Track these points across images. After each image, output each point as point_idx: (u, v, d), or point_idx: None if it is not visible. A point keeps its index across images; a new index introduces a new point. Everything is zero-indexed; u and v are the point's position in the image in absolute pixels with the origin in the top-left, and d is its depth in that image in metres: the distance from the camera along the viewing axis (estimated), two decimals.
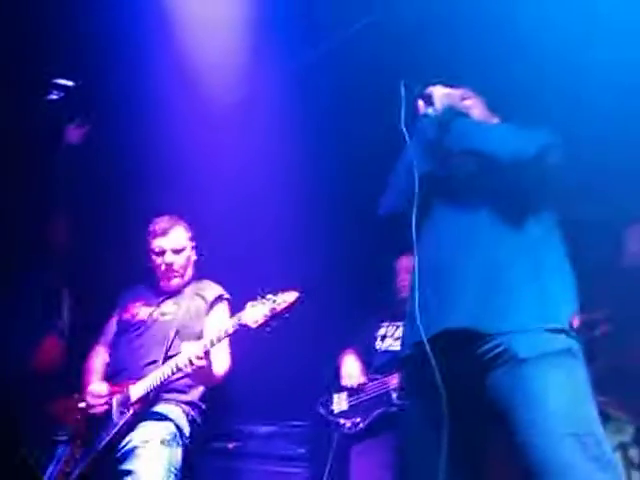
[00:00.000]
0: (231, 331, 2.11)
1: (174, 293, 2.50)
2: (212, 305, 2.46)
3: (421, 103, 1.81)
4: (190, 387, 2.35)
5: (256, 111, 3.04)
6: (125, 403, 2.19)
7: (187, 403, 2.32)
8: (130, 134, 3.13)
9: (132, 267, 2.75)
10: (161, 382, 2.18)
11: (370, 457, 2.68)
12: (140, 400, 2.18)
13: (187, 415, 2.31)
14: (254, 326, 2.05)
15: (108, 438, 2.14)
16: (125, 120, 3.07)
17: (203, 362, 2.11)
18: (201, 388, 2.40)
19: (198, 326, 2.40)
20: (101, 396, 2.23)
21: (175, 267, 2.46)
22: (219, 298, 2.49)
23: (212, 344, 2.12)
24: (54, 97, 1.94)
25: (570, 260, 1.64)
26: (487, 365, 1.49)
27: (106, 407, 2.21)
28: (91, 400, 2.24)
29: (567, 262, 1.63)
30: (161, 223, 2.47)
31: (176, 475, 2.14)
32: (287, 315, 2.05)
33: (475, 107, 1.86)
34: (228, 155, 3.09)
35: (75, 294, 2.87)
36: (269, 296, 2.07)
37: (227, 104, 3.09)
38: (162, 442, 2.13)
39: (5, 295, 2.61)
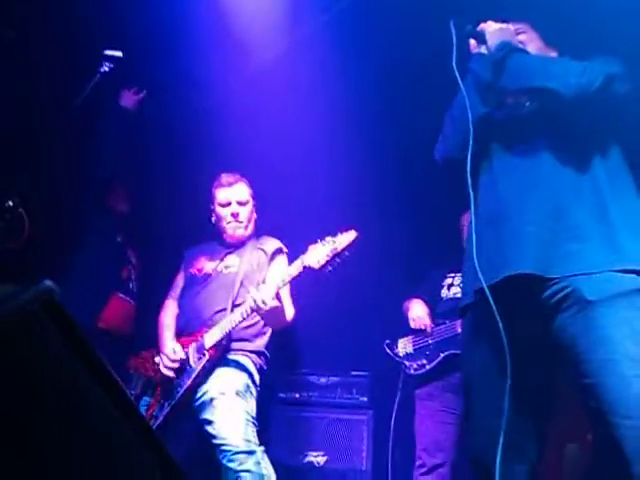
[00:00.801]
0: (295, 273, 2.16)
1: (236, 247, 2.57)
2: (272, 257, 2.55)
3: (473, 42, 1.73)
4: (256, 336, 2.44)
5: (300, 63, 2.99)
6: (201, 350, 2.30)
7: (254, 352, 2.42)
8: (178, 98, 3.17)
9: (194, 225, 2.84)
10: (232, 328, 2.26)
11: (434, 400, 2.73)
12: (214, 347, 2.28)
13: (255, 364, 2.40)
14: (317, 267, 2.09)
15: (188, 383, 2.27)
16: (171, 84, 3.11)
17: (276, 303, 2.19)
18: (266, 337, 2.49)
19: (260, 277, 2.49)
20: (175, 358, 2.34)
21: (240, 218, 2.54)
22: (279, 250, 2.57)
23: (279, 287, 2.20)
24: (106, 69, 1.98)
25: None
26: (554, 308, 1.48)
27: (180, 365, 2.33)
28: (166, 362, 2.36)
29: (638, 200, 1.56)
30: (226, 177, 2.57)
31: (253, 424, 2.26)
32: (347, 254, 2.08)
33: (531, 41, 1.76)
34: (276, 109, 3.07)
35: (139, 254, 3.01)
36: (328, 238, 2.11)
37: (268, 59, 3.05)
38: (237, 393, 2.25)
39: (73, 253, 2.75)
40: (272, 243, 2.60)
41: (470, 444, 1.71)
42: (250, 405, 2.29)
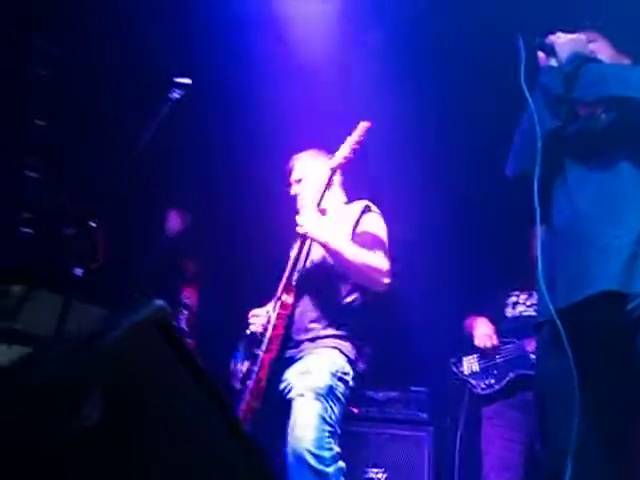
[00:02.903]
0: (329, 177, 2.22)
1: None
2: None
3: (541, 54, 1.71)
4: (343, 316, 2.21)
5: (364, 75, 3.02)
6: (274, 302, 2.21)
7: (345, 338, 2.17)
8: (242, 121, 3.26)
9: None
10: (294, 264, 2.19)
11: (502, 419, 2.66)
12: (285, 290, 2.19)
13: (347, 355, 2.15)
14: (344, 160, 2.20)
15: (267, 335, 2.14)
16: (236, 109, 3.21)
17: (318, 226, 2.15)
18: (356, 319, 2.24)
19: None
20: (257, 315, 2.26)
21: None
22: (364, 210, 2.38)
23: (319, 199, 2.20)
24: (176, 96, 2.07)
25: None
26: (636, 323, 1.43)
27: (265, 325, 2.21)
28: (251, 320, 2.27)
29: None
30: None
31: (332, 432, 2.00)
32: (362, 139, 2.22)
33: (601, 49, 1.71)
34: (341, 124, 3.11)
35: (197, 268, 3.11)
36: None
37: (334, 71, 3.09)
38: (317, 395, 2.01)
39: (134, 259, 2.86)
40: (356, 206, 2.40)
41: (544, 463, 1.66)
42: (333, 408, 2.02)
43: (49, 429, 0.60)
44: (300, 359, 2.14)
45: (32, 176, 2.14)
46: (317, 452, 1.91)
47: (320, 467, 1.90)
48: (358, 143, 2.21)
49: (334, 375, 2.08)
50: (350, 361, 2.15)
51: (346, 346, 2.16)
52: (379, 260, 2.20)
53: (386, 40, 2.92)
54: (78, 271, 1.79)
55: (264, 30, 2.95)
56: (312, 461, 1.89)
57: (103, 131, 2.56)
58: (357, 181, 2.57)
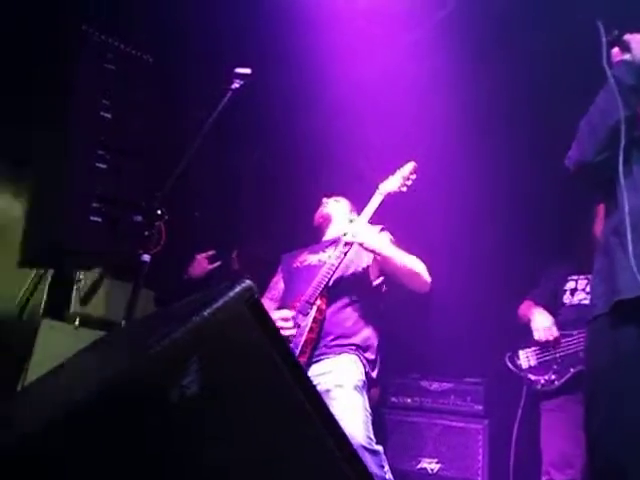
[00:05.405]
0: (379, 202, 2.37)
1: (336, 241, 2.50)
2: None
3: (616, 49, 1.68)
4: (358, 330, 2.30)
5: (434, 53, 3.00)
6: (305, 308, 2.22)
7: (361, 348, 2.27)
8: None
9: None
10: (330, 275, 2.23)
11: (565, 412, 2.57)
12: (319, 296, 2.22)
13: (364, 363, 2.25)
14: (397, 189, 2.40)
15: (302, 340, 2.18)
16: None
17: (369, 235, 2.26)
18: (368, 331, 2.31)
19: (364, 262, 2.41)
20: (288, 319, 2.24)
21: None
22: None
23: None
24: (236, 85, 2.10)
25: None
26: None
27: (295, 329, 2.22)
28: (280, 323, 2.22)
29: None
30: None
31: (371, 419, 2.11)
32: (414, 177, 2.44)
33: None
34: (399, 114, 3.10)
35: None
36: (396, 172, 2.45)
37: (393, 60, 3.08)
38: (355, 388, 2.13)
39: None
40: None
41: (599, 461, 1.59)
42: (366, 400, 2.15)
43: (154, 397, 0.63)
44: (318, 362, 2.22)
45: (101, 167, 2.22)
46: (369, 439, 2.04)
47: (375, 448, 2.04)
48: (408, 182, 2.42)
49: (362, 373, 2.20)
50: (365, 372, 2.23)
51: (363, 356, 2.26)
52: (420, 264, 2.32)
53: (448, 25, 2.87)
54: (145, 257, 1.86)
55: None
56: (367, 446, 2.01)
57: (169, 123, 2.63)
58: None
